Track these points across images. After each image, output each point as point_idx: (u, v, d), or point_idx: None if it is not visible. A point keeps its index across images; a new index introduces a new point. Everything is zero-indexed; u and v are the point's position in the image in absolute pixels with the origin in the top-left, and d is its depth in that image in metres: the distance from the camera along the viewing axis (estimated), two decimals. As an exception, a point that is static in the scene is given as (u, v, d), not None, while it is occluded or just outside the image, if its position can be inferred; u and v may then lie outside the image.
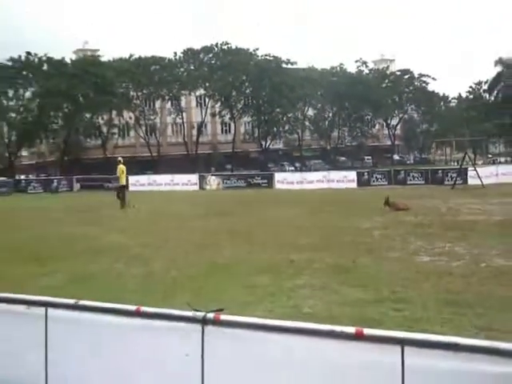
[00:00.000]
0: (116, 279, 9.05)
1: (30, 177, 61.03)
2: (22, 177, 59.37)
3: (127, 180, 25.73)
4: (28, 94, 63.03)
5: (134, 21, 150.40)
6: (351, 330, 2.70)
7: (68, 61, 65.74)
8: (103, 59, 68.43)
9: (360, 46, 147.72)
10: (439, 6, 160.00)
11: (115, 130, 71.39)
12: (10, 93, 61.71)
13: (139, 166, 66.90)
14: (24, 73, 61.60)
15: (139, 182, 44.24)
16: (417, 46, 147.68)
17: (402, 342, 2.57)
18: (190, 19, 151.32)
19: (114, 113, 68.89)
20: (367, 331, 2.67)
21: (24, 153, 72.53)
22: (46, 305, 3.47)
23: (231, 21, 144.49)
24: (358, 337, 2.66)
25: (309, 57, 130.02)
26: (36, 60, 62.24)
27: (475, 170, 32.94)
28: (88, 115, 66.25)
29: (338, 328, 2.75)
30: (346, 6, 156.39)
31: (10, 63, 60.84)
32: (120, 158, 26.27)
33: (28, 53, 61.69)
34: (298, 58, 74.20)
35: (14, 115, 61.98)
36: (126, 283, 8.69)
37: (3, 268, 9.95)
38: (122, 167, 24.97)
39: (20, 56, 61.43)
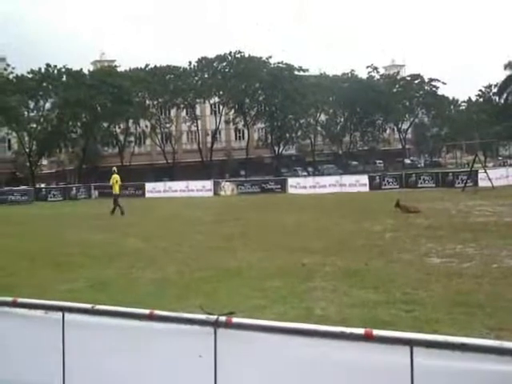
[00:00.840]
0: (132, 283, 9.21)
1: (50, 185, 62.52)
2: (43, 185, 60.58)
3: (120, 188, 25.99)
4: (48, 105, 64.36)
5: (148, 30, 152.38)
6: (361, 331, 2.73)
7: (86, 72, 67.04)
8: (120, 69, 69.47)
9: (361, 46, 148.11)
10: (444, 8, 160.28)
11: (132, 139, 72.32)
12: (31, 104, 63.27)
13: (155, 173, 68.05)
14: (44, 84, 62.96)
15: (155, 189, 45.09)
16: (424, 49, 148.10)
17: (411, 343, 2.60)
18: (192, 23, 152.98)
19: (131, 121, 69.73)
20: (376, 332, 2.69)
21: (44, 162, 74.09)
22: (63, 309, 3.51)
23: (232, 22, 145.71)
24: (368, 338, 2.69)
25: (307, 58, 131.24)
26: (55, 72, 63.55)
27: (485, 172, 33.04)
28: (105, 124, 67.12)
29: (347, 329, 2.77)
30: (346, 6, 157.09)
31: (30, 75, 62.42)
32: (114, 168, 26.75)
33: (48, 65, 63.11)
34: (299, 60, 75.11)
35: (34, 126, 63.45)
36: (141, 287, 8.85)
37: (25, 275, 10.27)
38: (116, 176, 25.48)
39: (40, 68, 62.88)
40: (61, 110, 62.29)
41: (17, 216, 27.47)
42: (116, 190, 25.43)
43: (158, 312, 3.26)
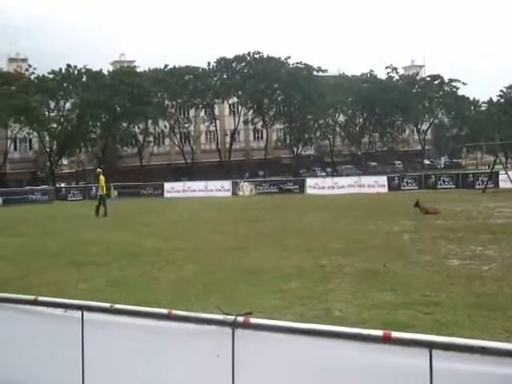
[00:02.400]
0: (152, 283, 9.28)
1: (70, 185, 63.16)
2: (63, 185, 61.56)
3: (108, 189, 26.30)
4: (68, 105, 65.08)
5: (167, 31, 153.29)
6: (379, 333, 2.72)
7: (105, 72, 67.65)
8: (139, 70, 69.89)
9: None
10: (465, 8, 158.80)
11: (151, 139, 72.52)
12: (52, 104, 64.07)
13: (174, 173, 68.38)
14: (64, 85, 63.69)
15: (174, 189, 45.04)
16: (445, 50, 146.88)
17: (430, 346, 2.58)
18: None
19: (150, 122, 69.95)
20: (395, 334, 2.68)
21: (64, 161, 74.85)
22: (82, 308, 3.57)
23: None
24: (386, 340, 2.67)
25: (325, 58, 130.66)
26: (75, 72, 64.28)
27: (506, 173, 32.65)
28: (124, 124, 67.55)
29: (365, 331, 2.77)
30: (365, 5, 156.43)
31: (51, 76, 63.22)
32: (99, 170, 27.16)
33: (68, 65, 63.91)
34: (318, 61, 75.05)
35: (55, 126, 64.25)
36: (161, 287, 8.89)
37: (46, 273, 10.43)
38: (102, 178, 25.85)
39: (60, 69, 63.65)
40: (81, 110, 63.00)
41: (37, 215, 27.76)
42: (103, 190, 25.87)
43: (176, 312, 3.28)
